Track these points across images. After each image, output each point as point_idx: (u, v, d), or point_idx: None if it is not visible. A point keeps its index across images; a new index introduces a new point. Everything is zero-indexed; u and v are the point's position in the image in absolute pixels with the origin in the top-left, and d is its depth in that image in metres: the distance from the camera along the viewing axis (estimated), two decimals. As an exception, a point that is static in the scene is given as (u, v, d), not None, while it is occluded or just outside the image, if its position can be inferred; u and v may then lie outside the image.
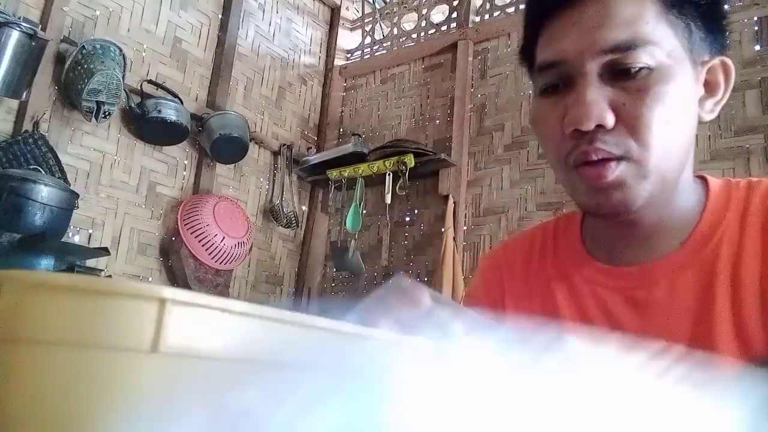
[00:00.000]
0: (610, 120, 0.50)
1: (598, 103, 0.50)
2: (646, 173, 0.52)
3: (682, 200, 0.58)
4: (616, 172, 0.51)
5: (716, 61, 0.56)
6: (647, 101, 0.50)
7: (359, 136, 2.64)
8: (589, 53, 0.51)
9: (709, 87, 0.56)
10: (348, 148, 2.54)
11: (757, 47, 1.90)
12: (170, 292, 0.18)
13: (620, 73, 0.51)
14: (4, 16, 1.74)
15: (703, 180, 0.62)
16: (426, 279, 2.43)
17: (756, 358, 0.50)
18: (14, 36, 1.75)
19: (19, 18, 1.78)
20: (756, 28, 1.91)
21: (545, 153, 0.59)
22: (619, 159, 0.51)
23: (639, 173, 0.52)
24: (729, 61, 0.56)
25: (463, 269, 2.26)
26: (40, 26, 1.86)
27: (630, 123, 0.50)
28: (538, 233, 0.72)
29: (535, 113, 0.59)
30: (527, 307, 0.67)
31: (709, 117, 0.56)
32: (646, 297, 0.57)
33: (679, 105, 0.52)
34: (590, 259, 0.63)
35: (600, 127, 0.50)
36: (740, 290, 0.53)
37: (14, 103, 1.88)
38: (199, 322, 0.19)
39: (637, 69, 0.50)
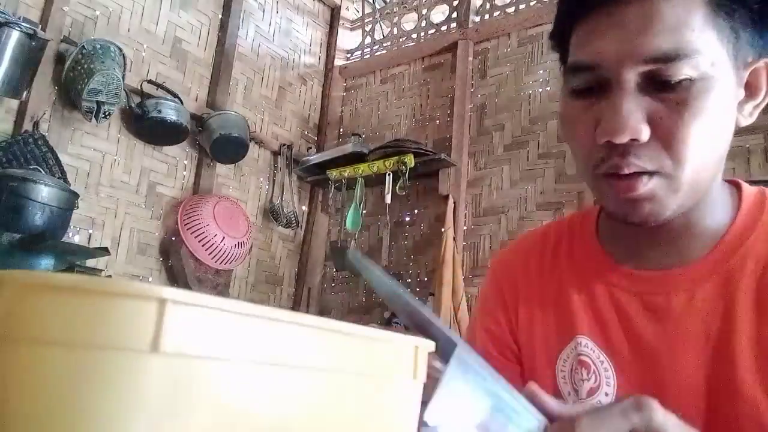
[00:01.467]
0: (645, 134, 0.48)
1: (634, 116, 0.48)
2: (678, 187, 0.50)
3: (711, 206, 0.56)
4: (648, 186, 0.49)
5: (761, 63, 0.52)
6: (686, 116, 0.47)
7: (359, 136, 2.64)
8: (629, 60, 0.48)
9: (750, 89, 0.53)
10: (348, 148, 2.54)
11: (757, 47, 1.90)
12: (170, 292, 0.18)
13: (660, 84, 0.48)
14: (4, 15, 1.74)
15: (737, 186, 0.59)
16: (426, 279, 2.43)
17: None
18: (14, 36, 1.75)
19: (19, 18, 1.78)
20: (756, 28, 1.91)
21: (574, 155, 0.57)
22: (651, 173, 0.49)
23: (671, 187, 0.50)
24: None
25: (463, 269, 2.26)
26: (40, 26, 1.86)
27: (666, 138, 0.48)
28: (552, 232, 0.70)
29: (564, 112, 0.56)
30: (541, 313, 0.65)
31: (746, 121, 0.54)
32: (664, 303, 0.56)
33: (719, 117, 0.50)
34: (609, 260, 0.61)
35: (634, 140, 0.48)
36: (764, 307, 0.51)
37: (14, 103, 1.88)
38: (199, 322, 0.19)
39: (678, 81, 0.47)
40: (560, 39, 0.56)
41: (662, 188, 0.50)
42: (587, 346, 0.59)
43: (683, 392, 0.53)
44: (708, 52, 0.47)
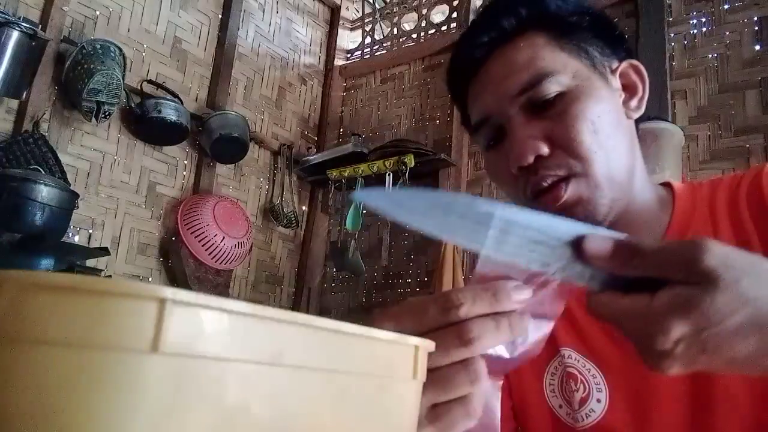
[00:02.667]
0: (544, 149, 0.54)
1: (529, 138, 0.55)
2: (597, 182, 0.55)
3: (645, 203, 0.61)
4: (568, 190, 0.54)
5: (624, 65, 0.60)
6: (569, 120, 0.54)
7: (359, 136, 2.64)
8: (505, 100, 0.57)
9: (628, 89, 0.60)
10: (348, 148, 2.54)
11: (757, 47, 1.90)
12: (170, 292, 0.18)
13: (538, 107, 0.56)
14: (4, 16, 1.74)
15: (668, 186, 0.65)
16: (426, 279, 2.43)
17: None
18: (14, 36, 1.75)
19: (19, 18, 1.78)
20: (756, 28, 1.91)
21: (509, 196, 0.63)
22: (566, 178, 0.55)
23: (590, 185, 0.55)
24: (636, 62, 0.61)
25: (463, 269, 2.26)
26: (40, 26, 1.86)
27: (563, 144, 0.54)
28: None
29: (486, 166, 0.64)
30: None
31: (636, 114, 0.60)
32: None
33: (601, 113, 0.55)
34: None
35: (539, 157, 0.55)
36: None
37: (14, 103, 1.88)
38: (199, 322, 0.19)
39: (550, 97, 0.55)
40: (468, 121, 0.65)
41: (583, 188, 0.55)
42: (571, 357, 0.62)
43: (672, 385, 0.55)
44: (565, 69, 0.56)
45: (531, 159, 0.54)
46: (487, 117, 0.60)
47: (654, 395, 0.56)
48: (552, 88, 0.55)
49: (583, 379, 0.60)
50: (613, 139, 0.56)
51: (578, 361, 0.61)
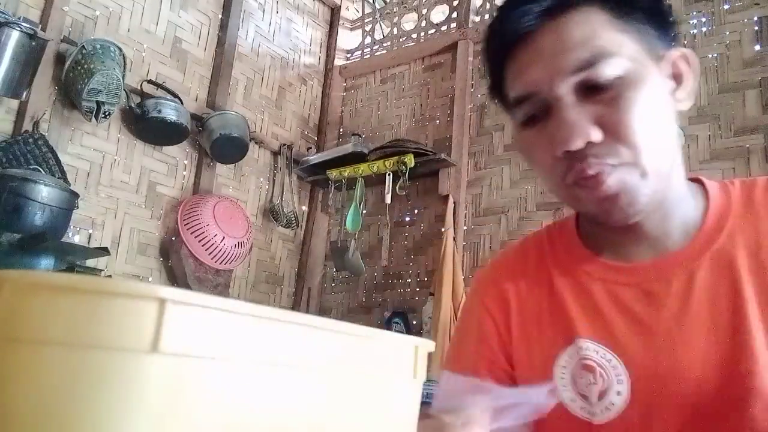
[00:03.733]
0: (597, 135, 0.52)
1: (581, 121, 0.52)
2: (643, 172, 0.53)
3: (681, 196, 0.60)
4: (614, 176, 0.52)
5: (675, 52, 0.57)
6: (625, 107, 0.52)
7: (359, 136, 2.64)
8: (558, 78, 0.53)
9: (677, 78, 0.58)
10: (348, 148, 2.54)
11: (757, 47, 1.90)
12: (170, 292, 0.18)
13: (592, 89, 0.53)
14: (4, 15, 1.74)
15: (699, 182, 0.63)
16: (426, 279, 2.43)
17: None
18: (14, 36, 1.75)
19: (19, 18, 1.78)
20: (756, 28, 1.91)
21: (541, 179, 0.60)
22: (613, 167, 0.53)
23: (637, 173, 0.53)
24: (687, 50, 0.59)
25: (463, 269, 2.26)
26: (40, 26, 1.86)
27: (615, 131, 0.52)
28: (530, 245, 0.72)
29: (521, 144, 0.61)
30: (535, 325, 0.65)
31: (684, 106, 0.58)
32: (664, 289, 0.57)
33: (654, 102, 0.54)
34: (596, 259, 0.63)
35: (589, 142, 0.52)
36: (765, 275, 0.54)
37: (14, 103, 1.88)
38: (199, 322, 0.19)
39: (605, 81, 0.52)
40: (498, 90, 0.61)
41: (630, 175, 0.53)
42: (589, 349, 0.59)
43: (701, 366, 0.54)
44: (622, 51, 0.53)
45: (581, 144, 0.52)
46: (532, 93, 0.55)
47: (682, 378, 0.54)
48: (609, 70, 0.52)
49: (601, 371, 0.57)
50: (663, 129, 0.55)
51: (597, 351, 0.58)
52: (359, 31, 3.11)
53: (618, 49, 0.52)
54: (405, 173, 2.33)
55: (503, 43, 0.58)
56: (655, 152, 0.53)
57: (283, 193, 2.68)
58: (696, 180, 0.64)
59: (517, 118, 0.59)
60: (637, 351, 0.57)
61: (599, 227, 0.64)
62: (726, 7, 1.98)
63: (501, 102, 0.63)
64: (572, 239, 0.67)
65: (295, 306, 2.75)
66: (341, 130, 2.99)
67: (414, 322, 2.38)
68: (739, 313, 0.54)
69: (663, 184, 0.56)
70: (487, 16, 2.61)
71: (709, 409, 0.53)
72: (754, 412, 0.51)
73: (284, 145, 2.73)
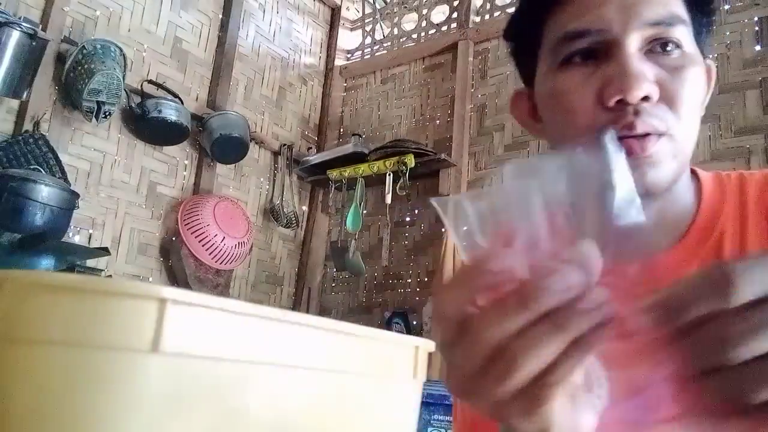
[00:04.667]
0: (656, 93, 0.50)
1: (646, 75, 0.50)
2: (678, 152, 0.52)
3: (680, 192, 0.57)
4: (657, 146, 0.50)
5: (707, 62, 0.57)
6: (683, 80, 0.51)
7: (359, 136, 2.64)
8: (635, 23, 0.51)
9: None
10: (348, 148, 2.54)
11: (758, 47, 1.90)
12: (170, 292, 0.18)
13: (659, 49, 0.51)
14: (4, 15, 1.74)
15: (693, 173, 0.61)
16: (426, 279, 2.43)
17: None
18: (15, 36, 1.75)
19: (20, 18, 1.78)
20: (756, 28, 1.91)
21: (565, 127, 0.56)
22: (660, 135, 0.50)
23: (673, 151, 0.51)
24: (713, 64, 0.59)
25: (463, 269, 2.26)
26: (41, 26, 1.86)
27: (671, 98, 0.50)
28: None
29: (556, 84, 0.55)
30: None
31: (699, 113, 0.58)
32: (650, 293, 0.56)
33: (700, 91, 0.53)
34: None
35: (645, 99, 0.49)
36: None
37: (15, 103, 1.88)
38: (199, 322, 0.19)
39: (673, 46, 0.51)
40: (530, 28, 0.57)
41: (667, 151, 0.51)
42: None
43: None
44: (689, 27, 0.52)
45: (640, 96, 0.49)
46: (599, 30, 0.52)
47: (657, 394, 0.54)
48: (680, 37, 0.51)
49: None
50: (697, 118, 0.54)
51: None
52: (359, 31, 3.11)
53: (687, 23, 0.52)
54: (405, 173, 2.33)
55: None
56: (691, 137, 0.53)
57: (283, 193, 2.68)
58: (691, 171, 0.61)
59: (560, 55, 0.54)
60: (616, 356, 0.55)
61: None
62: (726, 7, 1.98)
63: (522, 42, 0.59)
64: None
65: (295, 306, 2.75)
66: (341, 130, 2.99)
67: (414, 323, 2.38)
68: None
69: (681, 171, 0.54)
70: (487, 16, 2.61)
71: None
72: None
73: (284, 145, 2.73)
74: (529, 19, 0.58)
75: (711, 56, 1.96)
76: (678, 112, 0.50)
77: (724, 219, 0.56)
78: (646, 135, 0.50)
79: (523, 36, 0.59)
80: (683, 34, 0.51)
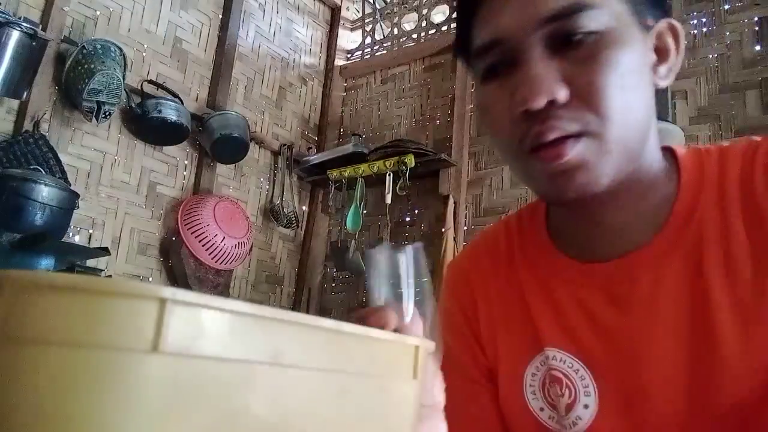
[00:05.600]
0: (562, 93, 0.45)
1: (547, 77, 0.45)
2: (609, 148, 0.46)
3: (653, 181, 0.53)
4: (575, 150, 0.46)
5: (663, 24, 0.52)
6: (598, 68, 0.46)
7: (359, 136, 2.64)
8: (530, 25, 0.47)
9: (660, 52, 0.52)
10: (348, 148, 2.54)
11: (757, 47, 1.90)
12: (170, 292, 0.18)
13: (566, 43, 0.47)
14: (4, 16, 1.74)
15: (670, 153, 0.56)
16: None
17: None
18: (15, 36, 1.75)
19: (20, 18, 1.78)
20: (756, 28, 1.91)
21: (495, 143, 0.53)
22: (577, 136, 0.46)
23: (600, 149, 0.46)
24: (676, 23, 0.52)
25: (463, 269, 2.26)
26: (41, 26, 1.86)
27: (584, 94, 0.46)
28: (501, 231, 0.66)
29: (479, 102, 0.53)
30: (503, 327, 0.61)
31: (664, 83, 0.52)
32: (628, 292, 0.52)
33: (633, 70, 0.47)
34: (562, 256, 0.57)
35: (552, 103, 0.46)
36: (736, 272, 0.48)
37: (15, 103, 1.88)
38: (199, 322, 0.19)
39: (583, 35, 0.46)
40: (465, 41, 0.54)
41: (592, 150, 0.46)
42: (556, 358, 0.55)
43: (666, 384, 0.49)
44: (607, 5, 0.47)
45: (543, 102, 0.45)
46: (498, 40, 0.49)
47: (648, 396, 0.50)
48: (588, 24, 0.46)
49: (568, 382, 0.54)
50: (637, 101, 0.48)
51: (564, 361, 0.54)
52: (359, 31, 3.11)
53: (603, 3, 0.46)
54: (405, 173, 2.33)
55: None
56: (624, 125, 0.47)
57: (283, 193, 2.68)
58: (667, 150, 0.56)
59: (478, 72, 0.52)
60: (603, 361, 0.52)
61: (563, 218, 0.58)
62: (726, 7, 1.98)
63: (465, 58, 0.55)
64: (541, 231, 0.61)
65: (295, 306, 2.75)
66: (341, 130, 2.99)
67: (414, 322, 2.38)
68: (709, 319, 0.48)
69: (630, 164, 0.49)
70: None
71: (679, 425, 0.49)
72: (718, 419, 0.47)
73: (284, 145, 2.73)
74: (460, 33, 0.55)
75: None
76: (595, 106, 0.46)
77: (704, 204, 0.51)
78: (562, 139, 0.46)
79: (462, 50, 0.56)
80: (594, 16, 0.46)
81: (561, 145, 0.46)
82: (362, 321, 0.32)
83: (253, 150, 2.62)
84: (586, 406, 0.53)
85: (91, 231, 2.07)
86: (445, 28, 2.74)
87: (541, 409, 0.56)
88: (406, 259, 0.37)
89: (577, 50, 0.46)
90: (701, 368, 0.48)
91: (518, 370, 0.58)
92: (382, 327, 0.32)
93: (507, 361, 0.60)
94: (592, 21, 0.46)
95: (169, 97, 2.20)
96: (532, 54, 0.47)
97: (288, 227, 2.70)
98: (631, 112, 0.47)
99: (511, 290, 0.61)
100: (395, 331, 0.32)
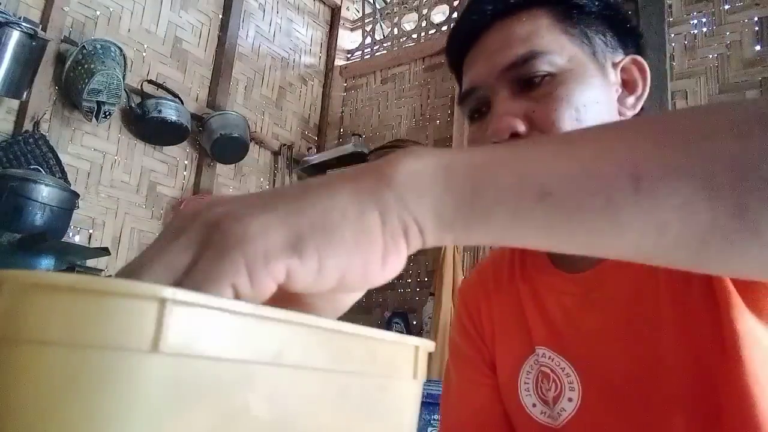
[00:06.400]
0: (521, 127, 0.53)
1: (508, 114, 0.54)
2: None
3: None
4: None
5: (627, 59, 0.58)
6: (553, 104, 0.53)
7: (360, 136, 2.64)
8: (495, 73, 0.56)
9: (628, 85, 0.58)
10: (348, 148, 2.54)
11: (758, 47, 1.90)
12: (170, 292, 0.18)
13: (525, 85, 0.54)
14: (4, 16, 1.74)
15: None
16: (426, 279, 2.43)
17: None
18: (15, 36, 1.75)
19: (20, 18, 1.78)
20: (756, 28, 1.91)
21: None
22: None
23: None
24: (639, 58, 0.59)
25: (463, 269, 2.26)
26: (41, 26, 1.87)
27: (540, 125, 0.53)
28: (507, 252, 0.74)
29: (468, 137, 0.63)
30: (502, 330, 0.67)
31: (631, 112, 0.58)
32: (603, 296, 0.58)
33: (588, 103, 0.54)
34: (553, 270, 0.64)
35: (515, 135, 0.53)
36: (682, 277, 0.53)
37: (15, 103, 1.88)
38: (199, 322, 0.19)
39: (539, 77, 0.54)
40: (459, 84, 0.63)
41: None
42: (545, 356, 0.61)
43: (630, 376, 0.54)
44: (561, 52, 0.54)
45: (506, 135, 0.53)
46: (474, 87, 0.59)
47: (619, 388, 0.55)
48: (542, 67, 0.54)
49: (555, 377, 0.59)
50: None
51: (552, 359, 0.60)
52: (359, 31, 3.11)
53: (556, 49, 0.54)
54: (405, 173, 2.32)
55: (460, 42, 0.61)
56: None
57: (283, 193, 2.68)
58: None
59: (465, 114, 0.62)
60: (584, 359, 0.58)
61: None
62: (726, 7, 1.98)
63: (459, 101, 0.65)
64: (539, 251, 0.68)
65: (295, 306, 2.75)
66: (342, 130, 2.99)
67: (414, 323, 2.38)
68: (654, 313, 0.54)
69: None
70: (487, 17, 2.61)
71: (656, 414, 0.52)
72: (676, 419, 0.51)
73: (284, 145, 2.73)
74: (460, 88, 0.64)
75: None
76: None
77: None
78: None
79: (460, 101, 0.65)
80: (547, 61, 0.53)
81: None
82: None
83: (253, 150, 2.62)
84: (569, 399, 0.58)
85: (91, 231, 2.07)
86: (445, 28, 2.74)
87: (534, 405, 0.62)
88: None
89: (534, 90, 0.54)
90: (649, 360, 0.53)
91: (515, 370, 0.64)
92: None
93: (506, 361, 0.66)
94: (545, 65, 0.54)
95: (169, 97, 2.20)
96: (498, 97, 0.56)
97: (288, 227, 2.70)
98: None
99: (510, 300, 0.68)
100: None
